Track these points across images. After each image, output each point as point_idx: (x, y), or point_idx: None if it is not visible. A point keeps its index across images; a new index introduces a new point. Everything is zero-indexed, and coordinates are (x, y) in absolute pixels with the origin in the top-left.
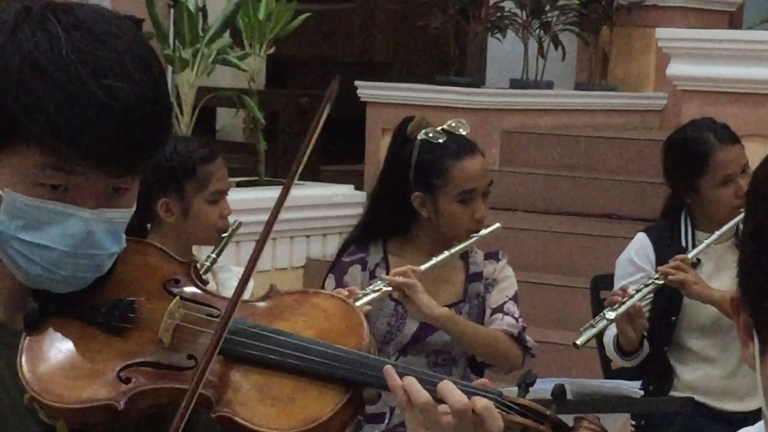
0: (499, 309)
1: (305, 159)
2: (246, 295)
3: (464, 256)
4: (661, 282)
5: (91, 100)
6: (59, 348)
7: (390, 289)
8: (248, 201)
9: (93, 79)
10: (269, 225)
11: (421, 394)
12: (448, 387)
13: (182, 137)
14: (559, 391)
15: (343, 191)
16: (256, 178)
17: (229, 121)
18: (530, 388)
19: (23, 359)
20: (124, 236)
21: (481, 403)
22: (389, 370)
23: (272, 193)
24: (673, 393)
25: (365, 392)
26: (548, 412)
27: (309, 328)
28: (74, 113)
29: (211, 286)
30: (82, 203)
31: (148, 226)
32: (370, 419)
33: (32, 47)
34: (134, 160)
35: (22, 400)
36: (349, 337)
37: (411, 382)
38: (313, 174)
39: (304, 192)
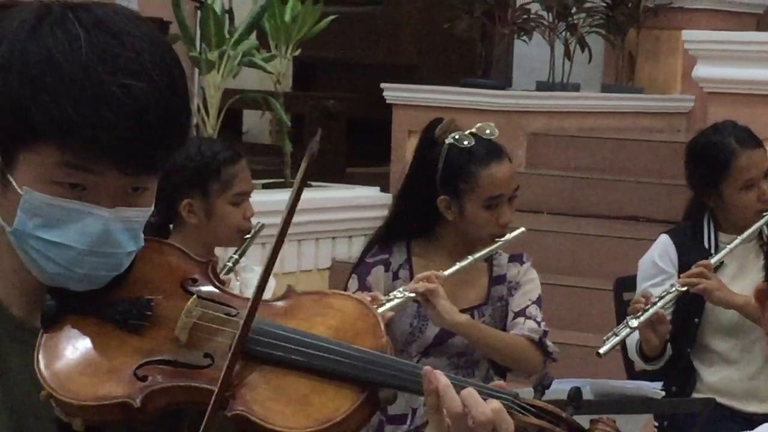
0: (522, 313)
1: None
2: (266, 295)
3: (488, 258)
4: (684, 290)
5: (109, 99)
6: (76, 345)
7: (413, 295)
8: (274, 203)
9: (111, 78)
10: (283, 229)
11: (456, 404)
12: (474, 397)
13: (206, 138)
14: (575, 393)
15: (369, 193)
16: (282, 180)
17: (255, 123)
18: (548, 390)
19: (40, 356)
20: (142, 235)
21: (491, 404)
22: (430, 373)
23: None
24: (695, 395)
25: (381, 393)
26: (564, 414)
27: (325, 328)
28: (92, 112)
29: (235, 286)
30: (100, 202)
31: (171, 226)
32: (392, 420)
33: (51, 45)
34: (151, 159)
35: (39, 397)
36: (365, 338)
37: (447, 388)
38: (338, 176)
39: (329, 194)
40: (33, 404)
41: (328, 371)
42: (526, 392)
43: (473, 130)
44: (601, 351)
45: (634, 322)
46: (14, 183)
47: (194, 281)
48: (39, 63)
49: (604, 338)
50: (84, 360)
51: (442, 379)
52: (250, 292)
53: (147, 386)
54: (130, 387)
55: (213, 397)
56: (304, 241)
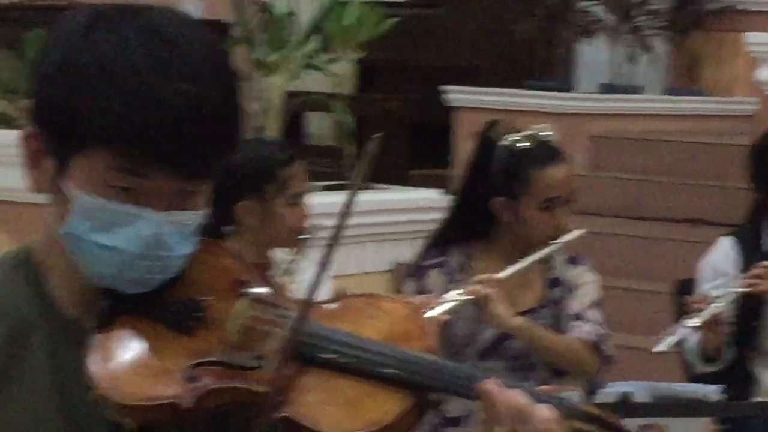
0: (579, 315)
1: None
2: (320, 298)
3: (545, 261)
4: (743, 291)
5: (160, 104)
6: (128, 346)
7: (469, 298)
8: (334, 205)
9: (163, 82)
10: (336, 231)
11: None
12: (544, 412)
13: (262, 140)
14: (625, 398)
15: (431, 195)
16: (343, 182)
17: (317, 126)
18: (599, 393)
19: (93, 356)
20: (194, 238)
21: (544, 411)
22: (489, 389)
23: (360, 197)
24: (755, 399)
25: (431, 395)
26: (611, 419)
27: (375, 330)
28: (144, 117)
29: (290, 288)
30: (152, 205)
31: (228, 228)
32: (450, 422)
33: (102, 50)
34: (203, 163)
35: (90, 397)
36: (415, 341)
37: (515, 398)
38: (401, 178)
39: (391, 196)
40: (86, 405)
41: (378, 374)
42: (573, 395)
43: (530, 132)
44: (656, 350)
45: (692, 322)
46: (68, 187)
47: (247, 283)
48: (90, 67)
49: (660, 338)
50: (136, 360)
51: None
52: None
53: (197, 387)
54: (181, 388)
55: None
56: (365, 243)
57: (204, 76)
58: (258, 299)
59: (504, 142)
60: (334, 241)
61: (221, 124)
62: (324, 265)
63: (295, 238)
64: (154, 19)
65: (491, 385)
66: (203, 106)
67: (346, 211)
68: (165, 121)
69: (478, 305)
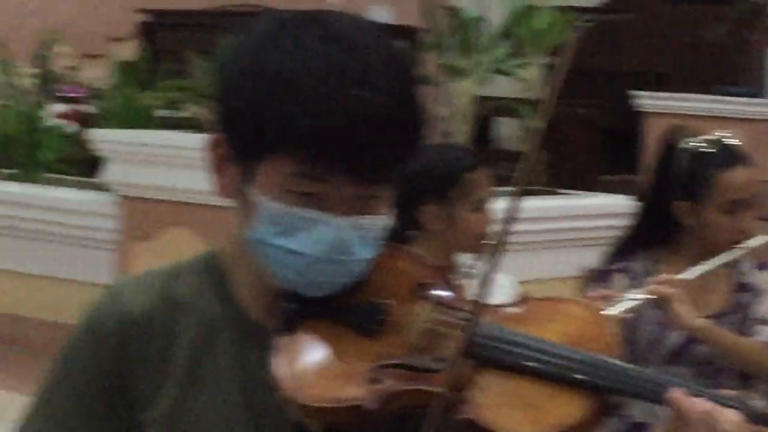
0: (765, 320)
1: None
2: (500, 301)
3: (730, 265)
4: None
5: (340, 110)
6: (312, 348)
7: (649, 297)
8: (524, 210)
9: (343, 89)
10: (503, 235)
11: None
12: (730, 416)
13: (447, 145)
14: None
15: (620, 201)
16: (534, 187)
17: (506, 131)
18: None
19: (277, 358)
20: (376, 242)
21: (731, 416)
22: (676, 398)
23: (549, 202)
24: None
25: (612, 399)
26: None
27: (556, 333)
28: (325, 123)
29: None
30: (334, 210)
31: (413, 233)
32: (635, 427)
33: (285, 57)
34: (383, 168)
35: (275, 398)
36: (596, 343)
37: (702, 404)
38: (590, 184)
39: (580, 202)
40: (270, 405)
41: (559, 377)
42: (759, 401)
43: (712, 136)
44: None
45: None
46: (252, 192)
47: (428, 286)
48: (273, 74)
49: None
50: (319, 363)
51: (690, 404)
52: (488, 299)
53: (380, 389)
54: (364, 390)
55: (436, 401)
56: (554, 249)
57: (383, 82)
58: (440, 302)
59: (686, 146)
60: (502, 244)
61: (401, 129)
62: (493, 267)
63: (479, 243)
64: (336, 26)
65: (678, 393)
66: (382, 112)
67: (512, 217)
68: (343, 128)
69: (660, 306)
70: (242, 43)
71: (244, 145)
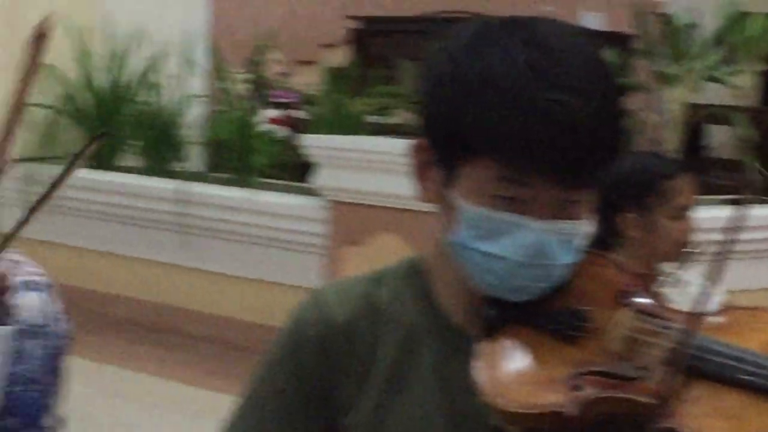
0: None
1: None
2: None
3: None
4: None
5: (542, 115)
6: (512, 354)
7: None
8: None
9: (543, 93)
10: (725, 245)
11: None
12: None
13: (648, 152)
14: None
15: None
16: (743, 196)
17: (718, 138)
18: None
19: (478, 364)
20: (577, 247)
21: None
22: None
23: (756, 212)
24: None
25: None
26: None
27: (759, 342)
28: (526, 128)
29: (675, 300)
30: (535, 214)
31: (613, 239)
32: None
33: (487, 62)
34: (584, 174)
35: (476, 403)
36: None
37: None
38: None
39: None
40: (471, 410)
41: (764, 387)
42: None
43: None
44: None
45: None
46: (454, 196)
47: (629, 293)
48: (475, 78)
49: None
50: (520, 368)
51: None
52: (690, 308)
53: (580, 396)
54: (564, 396)
55: (638, 410)
56: (763, 258)
57: (585, 88)
58: (641, 310)
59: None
60: (723, 255)
61: (602, 135)
62: (714, 278)
63: (679, 251)
64: (539, 31)
65: None
66: (583, 117)
67: (735, 225)
68: (544, 132)
69: None
70: (445, 48)
71: (446, 149)
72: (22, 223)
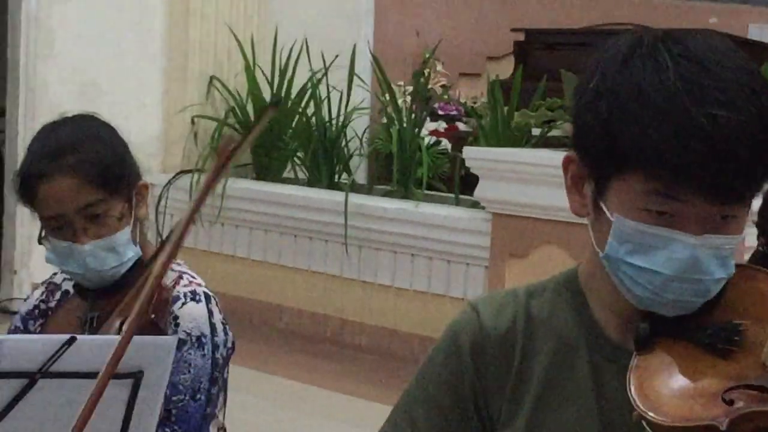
0: None
1: None
2: None
3: None
4: None
5: (695, 129)
6: (666, 367)
7: None
8: None
9: (698, 108)
10: None
11: None
12: None
13: None
14: None
15: None
16: None
17: None
18: None
19: (632, 378)
20: (732, 262)
21: None
22: None
23: None
24: None
25: None
26: None
27: None
28: (678, 142)
29: None
30: (687, 229)
31: None
32: None
33: (640, 76)
34: (739, 189)
35: (631, 417)
36: None
37: None
38: None
39: None
40: (626, 424)
41: None
42: None
43: None
44: None
45: None
46: (606, 210)
47: None
48: (628, 93)
49: None
50: (673, 382)
51: None
52: None
53: (733, 410)
54: (717, 410)
55: None
56: None
57: (740, 103)
58: None
59: None
60: None
61: (758, 151)
62: None
63: None
64: (693, 45)
65: None
66: (738, 133)
67: None
68: (698, 147)
69: None
70: (598, 63)
71: (598, 162)
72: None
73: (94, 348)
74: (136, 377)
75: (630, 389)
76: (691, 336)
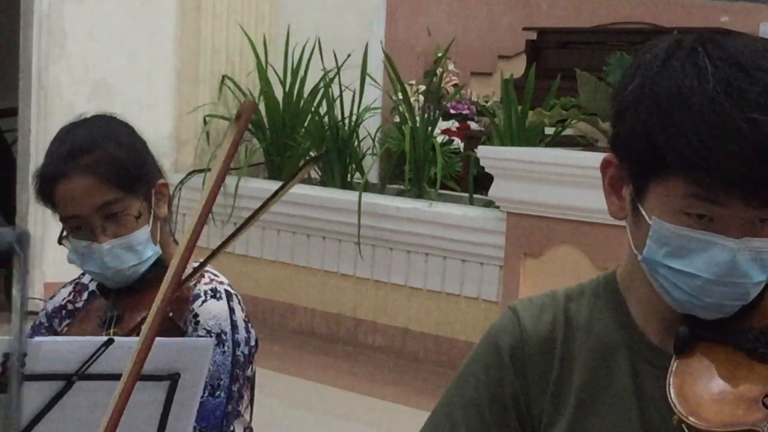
0: None
1: None
2: None
3: None
4: None
5: (735, 133)
6: (706, 371)
7: None
8: None
9: (738, 112)
10: None
11: None
12: None
13: None
14: None
15: None
16: None
17: None
18: None
19: (672, 381)
20: None
21: None
22: None
23: None
24: None
25: None
26: None
27: None
28: (718, 145)
29: None
30: (727, 232)
31: None
32: None
33: (680, 79)
34: None
35: (671, 421)
36: None
37: None
38: None
39: None
40: (666, 428)
41: None
42: None
43: None
44: None
45: None
46: (644, 213)
47: None
48: (668, 96)
49: None
50: (713, 386)
51: None
52: None
53: None
54: (758, 415)
55: None
56: None
57: None
58: None
59: None
60: None
61: None
62: None
63: None
64: (734, 48)
65: None
66: None
67: None
68: (738, 151)
69: None
70: (637, 65)
71: (637, 165)
72: (232, 236)
73: (131, 350)
74: (172, 379)
75: (670, 393)
76: (731, 340)
